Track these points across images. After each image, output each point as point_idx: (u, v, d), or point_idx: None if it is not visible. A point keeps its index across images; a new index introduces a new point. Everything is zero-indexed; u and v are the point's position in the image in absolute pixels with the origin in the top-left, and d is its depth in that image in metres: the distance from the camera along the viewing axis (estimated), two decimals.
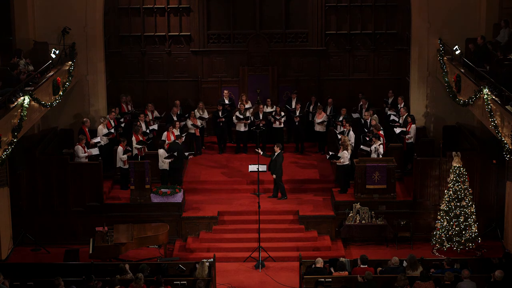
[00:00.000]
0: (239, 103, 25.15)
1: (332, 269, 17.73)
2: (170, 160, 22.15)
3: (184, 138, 23.02)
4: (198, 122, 24.77)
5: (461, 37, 23.22)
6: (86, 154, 21.87)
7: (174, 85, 26.89)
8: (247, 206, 21.95)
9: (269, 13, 26.66)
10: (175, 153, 22.10)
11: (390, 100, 25.27)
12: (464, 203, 20.01)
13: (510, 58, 20.24)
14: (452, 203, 20.05)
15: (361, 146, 22.72)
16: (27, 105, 19.00)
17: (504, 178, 20.54)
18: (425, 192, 21.39)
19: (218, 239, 21.11)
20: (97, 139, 22.73)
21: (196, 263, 17.97)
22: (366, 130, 23.47)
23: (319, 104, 25.12)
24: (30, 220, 21.28)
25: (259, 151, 21.96)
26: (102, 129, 23.24)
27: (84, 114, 24.30)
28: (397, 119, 23.90)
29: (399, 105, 24.48)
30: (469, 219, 20.07)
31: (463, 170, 20.08)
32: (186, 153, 22.87)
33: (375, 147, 22.07)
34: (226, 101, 25.56)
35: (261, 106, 25.08)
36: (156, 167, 22.26)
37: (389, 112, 24.39)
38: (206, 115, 25.19)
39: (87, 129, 22.84)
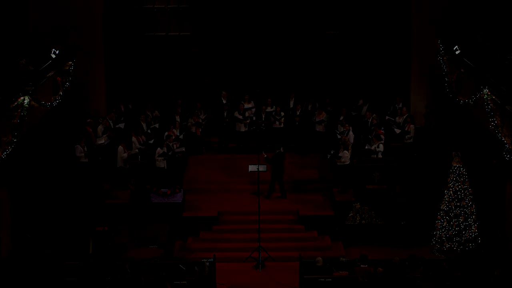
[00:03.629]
0: (242, 102, 25.14)
1: (333, 268, 17.72)
2: (163, 158, 22.22)
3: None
4: (200, 120, 24.83)
5: (461, 37, 23.22)
6: (83, 154, 21.89)
7: (175, 85, 26.90)
8: (247, 206, 21.96)
9: (269, 13, 26.66)
10: (169, 152, 22.17)
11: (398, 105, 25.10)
12: (464, 203, 20.03)
13: (510, 58, 20.25)
14: (452, 203, 20.06)
15: (368, 147, 22.71)
16: (27, 105, 19.00)
17: (504, 178, 20.55)
18: (425, 192, 21.39)
19: (218, 239, 21.12)
20: (102, 140, 22.78)
21: (196, 263, 17.99)
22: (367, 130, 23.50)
23: (317, 105, 25.09)
24: (30, 220, 21.28)
25: (265, 155, 22.02)
26: (101, 130, 23.26)
27: (84, 114, 24.31)
28: (392, 119, 23.88)
29: (397, 105, 24.49)
30: (469, 219, 20.09)
31: (463, 170, 20.09)
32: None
33: (374, 147, 22.10)
34: (224, 102, 25.56)
35: (263, 106, 25.09)
36: (155, 167, 22.29)
37: (387, 117, 24.32)
38: (203, 116, 25.22)
39: (91, 130, 22.85)
